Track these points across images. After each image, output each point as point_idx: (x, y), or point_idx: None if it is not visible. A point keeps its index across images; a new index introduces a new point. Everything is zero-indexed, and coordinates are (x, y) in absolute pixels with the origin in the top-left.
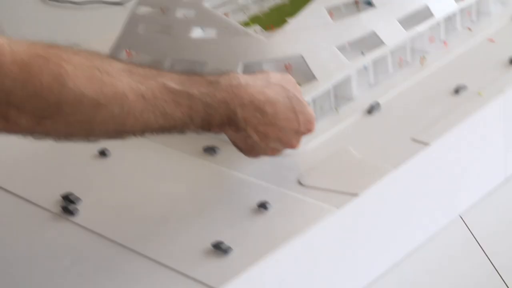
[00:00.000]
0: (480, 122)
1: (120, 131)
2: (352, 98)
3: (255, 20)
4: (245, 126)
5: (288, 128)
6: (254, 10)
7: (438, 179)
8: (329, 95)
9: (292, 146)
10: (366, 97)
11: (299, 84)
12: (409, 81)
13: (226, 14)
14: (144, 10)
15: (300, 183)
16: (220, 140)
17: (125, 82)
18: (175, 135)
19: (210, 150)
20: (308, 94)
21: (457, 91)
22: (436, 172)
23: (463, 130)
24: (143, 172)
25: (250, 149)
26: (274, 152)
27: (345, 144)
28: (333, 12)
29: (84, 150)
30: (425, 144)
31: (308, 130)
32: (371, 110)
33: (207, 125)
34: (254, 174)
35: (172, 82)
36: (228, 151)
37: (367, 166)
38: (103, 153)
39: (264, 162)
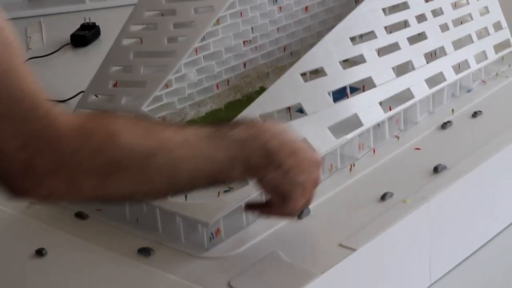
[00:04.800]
0: (405, 229)
1: (172, 184)
2: None
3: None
4: None
5: None
6: (191, 114)
7: (365, 284)
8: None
9: None
10: None
11: (232, 188)
12: (339, 187)
13: (163, 118)
14: None
15: (230, 286)
16: (155, 242)
17: (165, 133)
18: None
19: (144, 252)
20: (240, 199)
21: (383, 198)
22: (362, 277)
23: (389, 236)
24: (78, 275)
25: None
26: None
27: (275, 248)
28: (266, 119)
29: (21, 249)
30: (352, 249)
31: None
32: (301, 215)
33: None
34: (187, 276)
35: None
36: (162, 253)
37: (296, 271)
38: (39, 253)
39: (198, 264)
